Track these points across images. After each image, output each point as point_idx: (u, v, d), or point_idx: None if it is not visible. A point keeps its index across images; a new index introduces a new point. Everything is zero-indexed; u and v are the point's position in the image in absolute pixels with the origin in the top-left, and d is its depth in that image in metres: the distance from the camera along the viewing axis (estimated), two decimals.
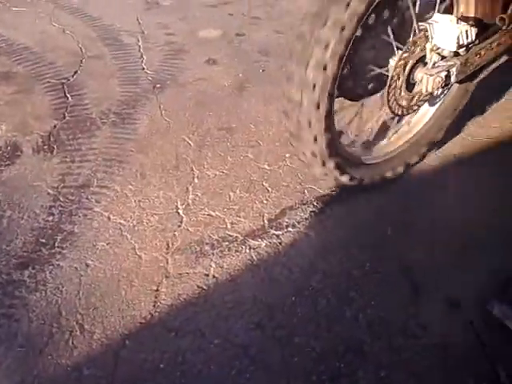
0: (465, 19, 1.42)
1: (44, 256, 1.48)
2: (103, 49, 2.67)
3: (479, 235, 1.55)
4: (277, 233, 1.57)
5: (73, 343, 1.25)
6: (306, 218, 1.62)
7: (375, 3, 1.29)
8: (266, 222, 1.61)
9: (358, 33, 1.32)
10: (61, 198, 1.69)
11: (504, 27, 1.48)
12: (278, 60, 2.56)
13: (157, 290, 1.40)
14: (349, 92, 1.51)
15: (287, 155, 1.90)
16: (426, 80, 1.41)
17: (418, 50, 1.42)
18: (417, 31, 1.41)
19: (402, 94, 1.47)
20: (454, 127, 1.89)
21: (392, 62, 1.43)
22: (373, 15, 1.35)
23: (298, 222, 1.61)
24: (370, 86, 1.52)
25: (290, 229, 1.58)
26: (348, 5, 1.24)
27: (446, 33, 1.37)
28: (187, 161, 1.86)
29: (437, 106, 1.74)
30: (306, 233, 1.57)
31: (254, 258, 1.49)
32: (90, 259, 1.48)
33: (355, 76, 1.47)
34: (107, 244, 1.53)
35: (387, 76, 1.43)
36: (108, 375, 1.18)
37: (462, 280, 1.41)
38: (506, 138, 1.99)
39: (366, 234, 1.57)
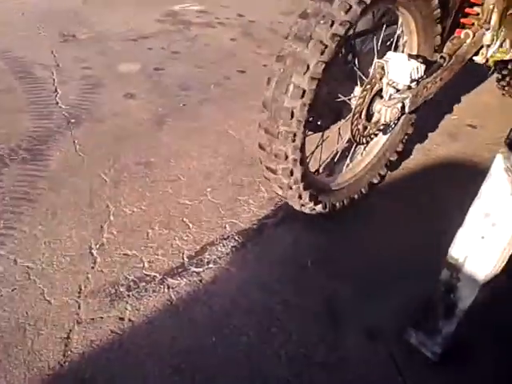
0: (414, 57, 1.56)
1: None
2: (14, 82, 2.54)
3: (396, 265, 1.58)
4: (197, 270, 1.52)
5: None
6: (227, 254, 1.59)
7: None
8: (185, 259, 1.56)
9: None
10: None
11: (445, 64, 1.67)
12: (198, 94, 2.56)
13: (67, 338, 1.30)
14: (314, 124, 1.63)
15: (208, 189, 1.88)
16: (385, 111, 1.54)
17: (377, 84, 1.55)
18: (376, 68, 1.54)
19: (364, 123, 1.59)
20: None
21: (356, 94, 1.57)
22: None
23: (219, 258, 1.57)
24: (332, 118, 1.68)
25: (210, 265, 1.54)
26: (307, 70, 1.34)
27: (400, 69, 1.51)
28: (102, 198, 1.79)
29: (388, 134, 1.89)
30: (227, 269, 1.54)
31: (173, 297, 1.43)
32: None
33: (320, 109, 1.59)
34: (12, 290, 1.42)
35: (350, 108, 1.56)
36: None
37: (380, 310, 1.43)
38: (422, 171, 2.09)
39: (286, 268, 1.56)
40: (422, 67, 1.56)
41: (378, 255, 1.62)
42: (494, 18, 1.77)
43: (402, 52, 1.70)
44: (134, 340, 1.30)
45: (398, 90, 1.58)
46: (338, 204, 1.74)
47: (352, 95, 1.60)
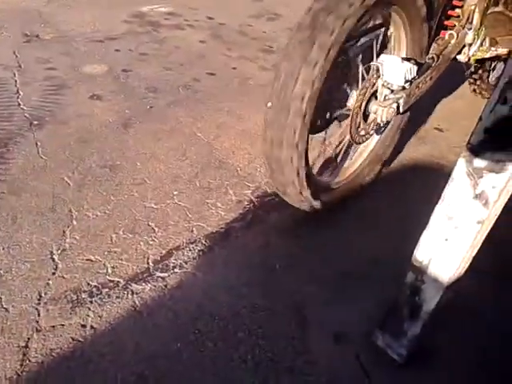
0: (407, 59, 1.63)
1: None
2: None
3: (364, 268, 1.59)
4: (162, 275, 1.49)
5: None
6: (193, 258, 1.56)
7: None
8: (150, 264, 1.53)
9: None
10: None
11: (434, 64, 1.75)
12: (166, 96, 2.53)
13: (26, 347, 1.25)
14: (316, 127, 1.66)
15: (175, 192, 1.84)
16: (381, 111, 1.60)
17: (372, 85, 1.62)
18: (371, 70, 1.61)
19: (361, 124, 1.66)
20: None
21: (353, 96, 1.62)
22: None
23: (186, 263, 1.54)
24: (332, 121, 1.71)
25: (176, 270, 1.51)
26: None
27: (394, 70, 1.58)
28: (65, 202, 1.73)
29: (382, 133, 1.97)
30: (193, 273, 1.51)
31: (137, 303, 1.39)
32: None
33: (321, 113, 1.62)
34: None
35: (347, 110, 1.63)
36: None
37: (348, 313, 1.43)
38: (391, 174, 2.11)
39: (254, 271, 1.54)
40: (415, 68, 1.62)
41: (346, 259, 1.62)
42: (476, 17, 1.83)
43: (393, 54, 1.78)
44: (96, 347, 1.26)
45: (392, 91, 1.64)
46: (336, 202, 1.81)
47: (349, 97, 1.64)
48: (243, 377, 1.22)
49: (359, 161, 1.95)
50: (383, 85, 1.62)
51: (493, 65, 2.59)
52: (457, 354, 1.34)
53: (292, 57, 1.38)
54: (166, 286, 1.45)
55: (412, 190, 1.97)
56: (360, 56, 1.66)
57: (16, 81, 2.51)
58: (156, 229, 1.67)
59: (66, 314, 1.35)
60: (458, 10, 1.86)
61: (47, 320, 1.32)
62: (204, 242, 1.63)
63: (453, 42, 1.82)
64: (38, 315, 1.33)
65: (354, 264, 1.60)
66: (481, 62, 2.45)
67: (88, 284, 1.44)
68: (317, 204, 1.69)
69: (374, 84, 1.62)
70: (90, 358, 1.24)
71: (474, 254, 1.08)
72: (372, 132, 1.76)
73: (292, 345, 1.31)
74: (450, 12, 1.87)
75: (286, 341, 1.32)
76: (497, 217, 1.05)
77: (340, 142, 1.86)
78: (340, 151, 1.89)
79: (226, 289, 1.46)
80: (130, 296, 1.41)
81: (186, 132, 2.24)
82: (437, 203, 1.09)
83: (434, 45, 1.82)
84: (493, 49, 1.96)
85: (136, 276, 1.48)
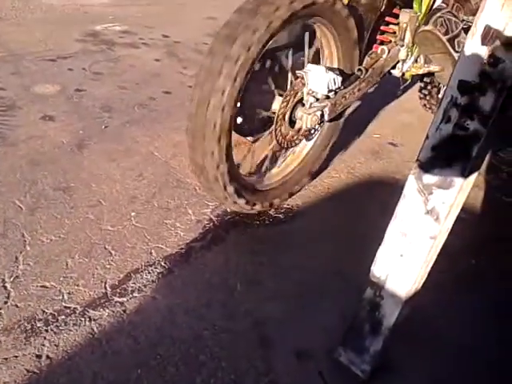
0: (332, 69, 1.72)
1: None
2: None
3: (324, 285, 1.60)
4: (121, 300, 1.45)
5: None
6: (152, 281, 1.54)
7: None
8: (108, 288, 1.49)
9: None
10: None
11: (362, 76, 1.81)
12: (122, 116, 2.50)
13: None
14: (242, 129, 1.74)
15: (132, 214, 1.81)
16: (306, 118, 1.68)
17: (298, 93, 1.70)
18: (295, 78, 1.70)
19: (287, 129, 1.75)
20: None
21: (277, 103, 1.71)
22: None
23: (145, 286, 1.51)
24: (259, 124, 1.80)
25: (135, 294, 1.48)
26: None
27: (318, 79, 1.65)
28: (17, 226, 1.68)
29: (312, 141, 2.03)
30: (152, 297, 1.48)
31: (95, 330, 1.35)
32: None
33: (246, 116, 1.71)
34: None
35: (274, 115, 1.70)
36: None
37: (310, 330, 1.43)
38: (346, 190, 2.15)
39: (215, 292, 1.53)
40: (339, 78, 1.70)
41: (306, 276, 1.63)
42: (407, 35, 1.93)
43: (324, 64, 1.84)
44: (52, 379, 1.22)
45: (317, 99, 1.71)
46: (258, 204, 1.83)
47: (275, 102, 1.73)
48: None
49: (288, 169, 1.98)
50: (308, 93, 1.69)
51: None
52: (421, 368, 1.37)
53: (215, 53, 1.46)
54: (124, 311, 1.42)
55: (370, 205, 2.01)
56: (290, 64, 1.75)
57: None
58: (113, 252, 1.63)
59: (20, 344, 1.29)
60: (393, 27, 1.97)
61: (0, 352, 1.27)
62: (163, 263, 1.61)
63: (384, 56, 1.92)
64: None
65: (315, 279, 1.62)
66: (420, 78, 2.59)
67: (43, 312, 1.39)
68: (241, 202, 1.72)
69: (299, 91, 1.70)
70: None
71: (429, 268, 1.12)
72: (299, 139, 1.85)
73: (254, 365, 1.30)
74: (384, 28, 1.98)
75: (249, 361, 1.31)
76: (449, 231, 1.09)
77: (270, 146, 1.91)
78: (269, 155, 1.95)
79: (186, 311, 1.44)
80: (87, 323, 1.37)
81: (142, 151, 2.21)
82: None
83: (366, 58, 1.91)
84: (426, 66, 2.07)
85: (93, 302, 1.44)
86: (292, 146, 1.88)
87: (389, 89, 2.55)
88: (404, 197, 1.05)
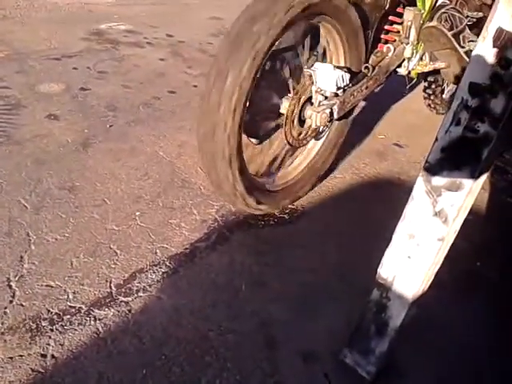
0: (340, 67, 1.73)
1: None
2: None
3: (330, 286, 1.60)
4: (126, 299, 1.45)
5: None
6: (157, 281, 1.53)
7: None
8: (113, 288, 1.49)
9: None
10: None
11: (369, 74, 1.83)
12: (127, 115, 2.49)
13: None
14: (250, 130, 1.74)
15: (137, 213, 1.81)
16: (315, 116, 1.66)
17: (306, 91, 1.69)
18: (304, 76, 1.69)
19: (296, 128, 1.74)
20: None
21: (286, 102, 1.69)
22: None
23: (150, 286, 1.51)
24: (269, 126, 1.81)
25: (140, 294, 1.48)
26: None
27: (327, 77, 1.66)
28: (22, 225, 1.67)
29: (321, 141, 2.03)
30: (158, 296, 1.48)
31: (100, 329, 1.35)
32: None
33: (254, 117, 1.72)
34: None
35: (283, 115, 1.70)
36: None
37: (316, 332, 1.43)
38: (351, 190, 2.15)
39: (220, 292, 1.52)
40: (347, 76, 1.71)
41: (310, 277, 1.63)
42: (412, 32, 1.93)
43: (331, 63, 1.85)
44: (57, 378, 1.21)
45: (326, 98, 1.71)
46: (271, 205, 1.85)
47: (283, 102, 1.72)
48: None
49: (296, 171, 1.99)
50: (317, 91, 1.69)
51: (446, 80, 2.71)
52: (426, 369, 1.36)
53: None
54: (129, 310, 1.42)
55: (375, 206, 2.01)
56: (298, 63, 1.77)
57: None
58: (118, 251, 1.63)
59: (25, 343, 1.29)
60: (397, 26, 1.97)
61: (5, 351, 1.26)
62: (168, 263, 1.61)
63: (390, 54, 1.93)
64: None
65: (320, 280, 1.62)
66: (425, 76, 2.60)
67: (48, 311, 1.39)
68: (251, 201, 1.73)
69: (308, 90, 1.70)
70: None
71: (436, 270, 1.11)
72: (308, 138, 1.85)
73: (260, 366, 1.30)
74: (388, 27, 1.99)
75: (254, 362, 1.31)
76: (456, 233, 1.09)
77: (279, 147, 1.93)
78: (279, 157, 1.97)
79: (191, 311, 1.44)
80: (92, 322, 1.37)
81: (147, 151, 2.21)
82: (399, 220, 1.11)
83: (372, 56, 1.92)
84: (431, 63, 2.08)
85: (98, 301, 1.44)
86: (302, 146, 1.89)
87: (394, 89, 2.55)
88: (412, 198, 1.05)
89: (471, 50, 1.98)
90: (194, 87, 2.93)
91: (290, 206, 1.96)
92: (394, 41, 1.97)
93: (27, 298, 1.42)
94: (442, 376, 1.36)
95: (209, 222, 1.83)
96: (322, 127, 1.82)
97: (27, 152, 2.08)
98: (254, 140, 1.81)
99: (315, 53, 1.84)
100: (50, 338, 1.31)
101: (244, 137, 1.67)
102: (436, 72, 2.24)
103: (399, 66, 2.02)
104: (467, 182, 0.97)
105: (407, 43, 1.95)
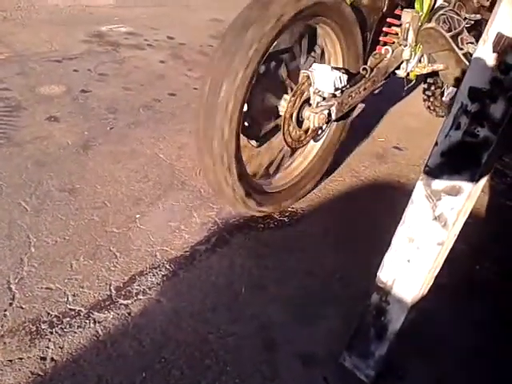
0: (337, 68, 1.74)
1: None
2: None
3: (330, 289, 1.60)
4: (125, 302, 1.45)
5: None
6: (157, 283, 1.53)
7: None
8: (113, 291, 1.49)
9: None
10: None
11: (367, 75, 1.84)
12: (127, 117, 2.50)
13: None
14: (248, 132, 1.74)
15: (137, 216, 1.81)
16: (313, 117, 1.68)
17: (304, 92, 1.70)
18: (302, 78, 1.69)
19: (295, 129, 1.75)
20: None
21: (284, 104, 1.70)
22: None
23: (149, 288, 1.51)
24: (267, 127, 1.80)
25: (140, 296, 1.48)
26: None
27: (324, 78, 1.66)
28: (22, 228, 1.68)
29: (320, 143, 2.04)
30: (157, 299, 1.48)
31: (100, 332, 1.35)
32: None
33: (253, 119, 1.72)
34: None
35: (281, 115, 1.71)
36: None
37: (316, 335, 1.43)
38: (351, 193, 2.15)
39: (220, 295, 1.52)
40: (345, 77, 1.71)
41: (310, 280, 1.63)
42: (410, 35, 1.94)
43: (329, 64, 1.85)
44: (56, 381, 1.21)
45: (324, 99, 1.71)
46: (271, 206, 1.86)
47: (281, 103, 1.72)
48: None
49: (295, 172, 2.00)
50: (315, 92, 1.69)
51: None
52: (425, 373, 1.37)
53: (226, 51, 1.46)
54: (129, 313, 1.42)
55: (374, 209, 2.01)
56: (296, 65, 1.78)
57: None
58: (118, 254, 1.63)
59: (25, 346, 1.29)
60: (395, 28, 1.98)
61: (4, 354, 1.26)
62: (168, 266, 1.61)
63: (388, 56, 1.94)
64: None
65: (319, 283, 1.62)
66: (424, 78, 2.62)
67: (48, 314, 1.39)
68: (251, 204, 1.73)
69: (306, 91, 1.70)
70: None
71: (435, 273, 1.11)
72: (307, 139, 1.85)
73: (260, 370, 1.30)
74: (386, 29, 2.00)
75: (254, 365, 1.31)
76: (456, 237, 1.09)
77: (279, 150, 1.94)
78: (278, 158, 1.97)
79: (191, 314, 1.44)
80: (92, 325, 1.37)
81: (147, 153, 2.22)
82: (399, 223, 1.11)
83: (370, 58, 1.93)
84: (430, 65, 2.09)
85: (98, 304, 1.44)
86: (300, 147, 1.89)
87: (392, 93, 2.55)
88: (412, 202, 1.05)
89: (469, 52, 1.99)
90: (194, 89, 2.93)
91: (289, 209, 1.96)
92: (393, 43, 1.98)
93: (27, 301, 1.42)
94: (441, 379, 1.36)
95: (209, 224, 1.83)
96: (320, 128, 1.83)
97: (27, 154, 2.08)
98: (252, 142, 1.81)
99: (313, 54, 1.85)
100: (49, 340, 1.31)
101: (243, 139, 1.68)
102: (435, 74, 2.25)
103: (398, 67, 2.03)
104: (467, 187, 0.97)
105: (405, 45, 1.96)
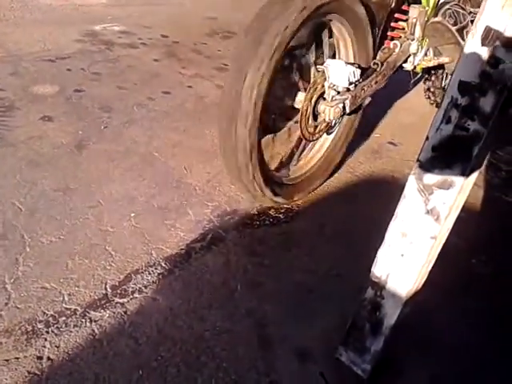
0: (351, 63, 1.80)
1: None
2: None
3: (324, 285, 1.61)
4: (121, 301, 1.45)
5: None
6: (153, 282, 1.53)
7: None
8: (109, 289, 1.49)
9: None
10: None
11: (378, 69, 1.90)
12: (121, 116, 2.49)
13: None
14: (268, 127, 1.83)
15: (132, 214, 1.81)
16: (328, 110, 1.74)
17: (320, 87, 1.76)
18: (317, 73, 1.77)
19: (311, 122, 1.81)
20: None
21: (300, 98, 1.76)
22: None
23: (145, 287, 1.51)
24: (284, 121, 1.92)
25: (136, 295, 1.48)
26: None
27: (339, 73, 1.72)
28: (17, 228, 1.67)
29: (332, 135, 2.10)
30: (153, 298, 1.48)
31: (96, 331, 1.35)
32: None
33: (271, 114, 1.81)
34: None
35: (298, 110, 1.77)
36: None
37: (311, 331, 1.43)
38: (346, 188, 2.15)
39: (215, 293, 1.53)
40: (358, 72, 1.77)
41: (305, 276, 1.63)
42: (417, 28, 1.99)
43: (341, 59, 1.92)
44: (53, 380, 1.21)
45: (338, 92, 1.78)
46: (286, 197, 1.93)
47: (298, 98, 1.79)
48: None
49: (309, 164, 2.06)
50: (329, 86, 1.76)
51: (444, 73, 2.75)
52: (421, 367, 1.37)
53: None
54: (125, 312, 1.42)
55: (370, 204, 2.01)
56: (310, 60, 1.84)
57: None
58: (113, 253, 1.63)
59: (21, 346, 1.29)
60: (402, 23, 2.04)
61: (1, 353, 1.26)
62: (163, 264, 1.61)
63: (397, 50, 1.99)
64: None
65: (315, 279, 1.62)
66: (428, 71, 2.65)
67: (44, 313, 1.39)
68: (269, 193, 1.80)
69: (321, 86, 1.76)
70: None
71: (430, 268, 1.12)
72: (321, 132, 1.92)
73: (255, 366, 1.30)
74: (394, 24, 2.05)
75: (250, 362, 1.32)
76: (449, 231, 1.09)
77: (295, 142, 2.00)
78: (294, 151, 2.02)
79: (187, 312, 1.44)
80: (88, 324, 1.37)
81: (141, 152, 2.21)
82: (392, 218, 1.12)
83: (379, 53, 1.99)
84: (436, 58, 2.14)
85: (94, 303, 1.44)
86: (315, 139, 1.96)
87: (389, 88, 2.55)
88: (404, 197, 1.05)
89: None
90: (188, 88, 2.93)
91: (284, 206, 1.97)
92: (400, 37, 2.03)
93: (22, 301, 1.42)
94: (437, 373, 1.36)
95: (204, 222, 1.83)
96: (333, 121, 1.90)
97: (21, 154, 2.07)
98: (269, 135, 1.88)
99: (325, 50, 1.89)
100: (45, 340, 1.32)
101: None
102: (441, 67, 2.28)
103: (405, 61, 2.08)
104: (458, 180, 0.97)
105: (413, 39, 2.01)
